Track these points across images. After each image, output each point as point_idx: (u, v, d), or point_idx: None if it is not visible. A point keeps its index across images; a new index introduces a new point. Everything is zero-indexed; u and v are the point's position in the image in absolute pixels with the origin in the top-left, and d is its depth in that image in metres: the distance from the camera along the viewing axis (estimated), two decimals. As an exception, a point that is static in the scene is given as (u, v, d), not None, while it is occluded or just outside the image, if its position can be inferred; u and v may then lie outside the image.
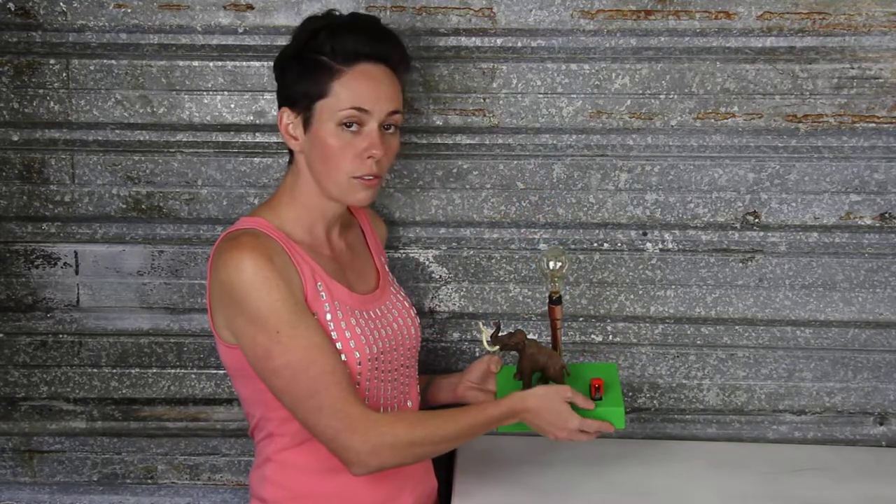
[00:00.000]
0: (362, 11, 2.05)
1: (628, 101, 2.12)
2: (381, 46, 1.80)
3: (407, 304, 1.97)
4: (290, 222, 1.82)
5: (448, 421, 1.78)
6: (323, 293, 1.79)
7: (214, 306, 1.79)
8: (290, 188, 1.84)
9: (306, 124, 1.79)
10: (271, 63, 2.07)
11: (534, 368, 1.87)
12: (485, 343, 1.85)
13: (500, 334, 1.86)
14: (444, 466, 2.06)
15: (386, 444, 1.72)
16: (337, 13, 1.86)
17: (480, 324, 1.90)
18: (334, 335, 1.77)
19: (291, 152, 1.85)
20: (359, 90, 1.77)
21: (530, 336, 1.89)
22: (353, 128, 1.77)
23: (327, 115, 1.77)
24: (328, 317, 1.78)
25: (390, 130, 1.82)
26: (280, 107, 1.83)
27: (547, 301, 1.92)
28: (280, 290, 1.71)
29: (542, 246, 2.17)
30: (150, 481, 2.29)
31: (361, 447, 1.71)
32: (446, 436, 1.77)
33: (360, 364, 1.79)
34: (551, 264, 1.90)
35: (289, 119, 1.81)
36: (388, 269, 2.01)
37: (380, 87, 1.79)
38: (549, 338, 1.95)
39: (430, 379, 2.07)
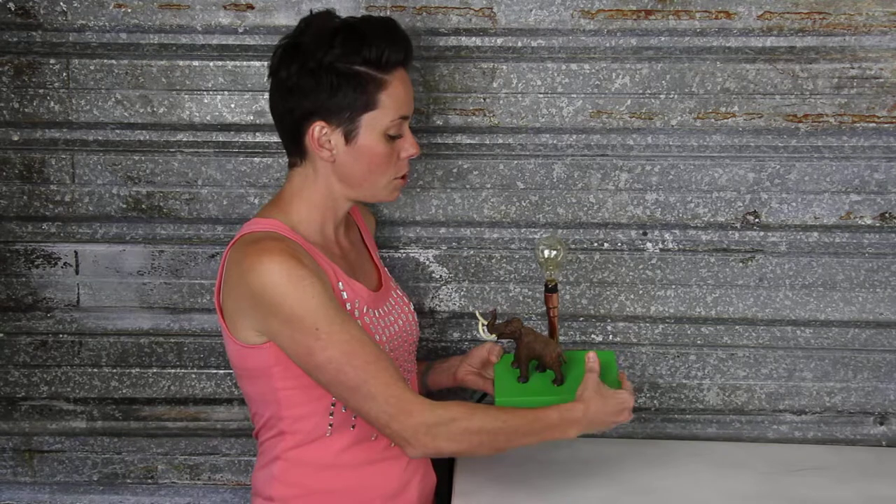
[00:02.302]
0: (363, 11, 2.06)
1: (628, 101, 2.12)
2: (409, 51, 1.81)
3: (406, 300, 1.98)
4: (302, 223, 1.82)
5: (508, 412, 1.75)
6: (345, 292, 1.80)
7: (233, 309, 1.77)
8: (298, 190, 1.83)
9: (348, 136, 1.77)
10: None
11: (530, 356, 1.88)
12: (482, 331, 1.86)
13: (496, 322, 1.86)
14: (445, 466, 2.06)
15: (443, 427, 1.71)
16: (327, 11, 1.83)
17: (477, 312, 1.91)
18: None
19: (296, 157, 1.83)
20: (400, 98, 1.78)
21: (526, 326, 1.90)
22: (396, 135, 1.80)
23: (375, 125, 1.77)
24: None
25: None
26: (305, 119, 1.76)
27: (543, 290, 1.92)
28: (315, 288, 1.70)
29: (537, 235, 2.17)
30: (150, 481, 2.29)
31: (419, 427, 1.70)
32: (504, 427, 1.74)
33: None
34: (546, 252, 1.91)
35: (322, 132, 1.77)
36: (384, 267, 2.01)
37: (410, 90, 1.82)
38: (546, 331, 1.95)
39: (430, 365, 2.08)
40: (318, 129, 1.77)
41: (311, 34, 1.77)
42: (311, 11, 1.85)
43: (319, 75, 1.74)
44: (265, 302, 1.71)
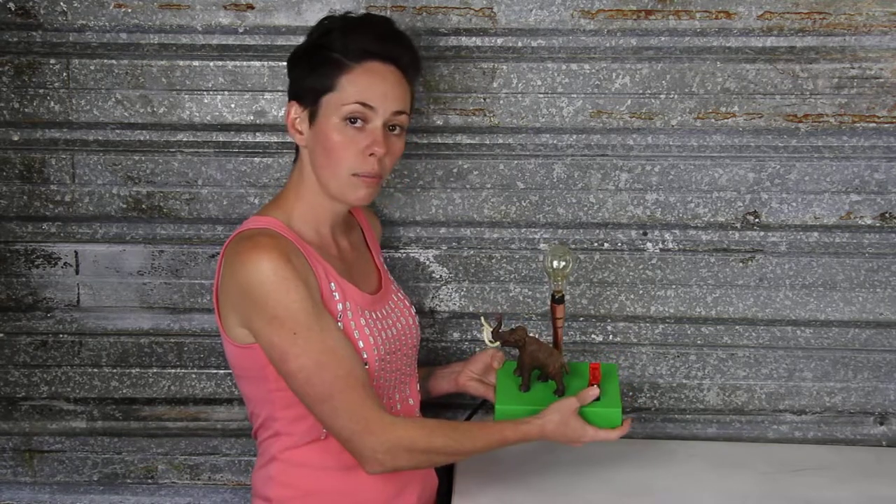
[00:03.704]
0: (363, 11, 2.05)
1: (628, 101, 2.12)
2: (390, 46, 1.80)
3: (408, 303, 1.98)
4: (299, 221, 1.82)
5: (466, 435, 1.79)
6: (336, 293, 1.79)
7: (226, 305, 1.78)
8: (295, 186, 1.84)
9: (312, 118, 1.79)
10: (271, 63, 2.10)
11: (533, 365, 1.87)
12: (486, 338, 1.85)
13: (501, 330, 1.86)
14: (445, 466, 2.06)
15: (403, 448, 1.74)
16: (350, 13, 1.86)
17: (482, 318, 1.90)
18: None
19: (297, 151, 1.85)
20: (365, 86, 1.77)
21: (531, 334, 1.89)
22: (358, 123, 1.77)
23: (333, 109, 1.77)
24: (339, 316, 1.78)
25: (395, 131, 1.82)
26: (288, 101, 1.84)
27: (549, 300, 1.92)
28: (298, 291, 1.70)
29: (542, 246, 2.17)
30: (150, 481, 2.29)
31: (378, 447, 1.73)
32: (461, 449, 1.79)
33: (366, 365, 1.79)
34: (555, 263, 1.89)
35: (296, 113, 1.81)
36: (386, 269, 2.01)
37: (386, 85, 1.79)
38: (549, 337, 1.95)
39: (431, 370, 2.08)
40: (293, 109, 1.81)
41: (319, 30, 1.83)
42: (331, 11, 1.90)
43: (301, 61, 1.82)
44: (251, 298, 1.71)
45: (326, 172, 1.79)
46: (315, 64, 1.79)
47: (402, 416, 1.86)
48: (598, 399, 1.83)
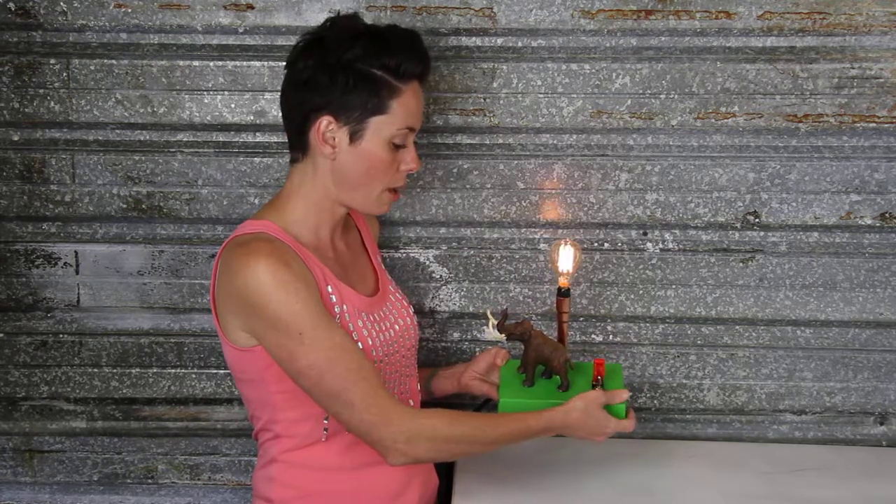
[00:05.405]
0: (363, 11, 2.05)
1: (629, 101, 2.12)
2: (428, 66, 1.82)
3: (406, 303, 1.98)
4: (296, 224, 1.82)
5: (488, 423, 1.77)
6: (334, 296, 1.79)
7: (225, 311, 1.77)
8: (297, 189, 1.83)
9: (354, 136, 1.77)
10: (271, 63, 2.09)
11: (538, 360, 1.87)
12: (491, 330, 1.85)
13: (506, 322, 1.85)
14: (445, 465, 2.06)
15: (424, 436, 1.73)
16: (345, 12, 1.85)
17: (488, 311, 1.90)
18: None
19: (298, 153, 1.83)
20: (412, 109, 1.79)
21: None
22: (399, 142, 1.79)
23: (381, 130, 1.77)
24: (337, 319, 1.78)
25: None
26: (314, 112, 1.76)
27: (556, 294, 1.92)
28: (299, 293, 1.70)
29: (542, 246, 2.17)
30: (150, 481, 2.29)
31: (399, 437, 1.71)
32: (484, 438, 1.76)
33: None
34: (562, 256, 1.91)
35: (328, 127, 1.77)
36: (384, 269, 2.01)
37: (421, 103, 1.82)
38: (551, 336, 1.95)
39: (434, 371, 2.08)
40: (325, 123, 1.77)
41: (335, 32, 1.78)
42: (338, 12, 1.85)
43: (336, 72, 1.75)
44: (250, 304, 1.71)
45: (359, 188, 1.80)
46: (361, 82, 1.74)
47: (421, 408, 1.85)
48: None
